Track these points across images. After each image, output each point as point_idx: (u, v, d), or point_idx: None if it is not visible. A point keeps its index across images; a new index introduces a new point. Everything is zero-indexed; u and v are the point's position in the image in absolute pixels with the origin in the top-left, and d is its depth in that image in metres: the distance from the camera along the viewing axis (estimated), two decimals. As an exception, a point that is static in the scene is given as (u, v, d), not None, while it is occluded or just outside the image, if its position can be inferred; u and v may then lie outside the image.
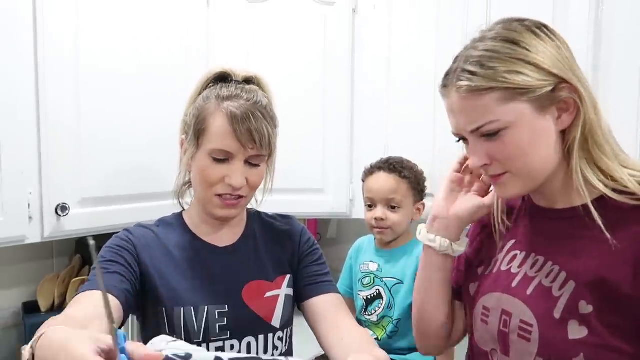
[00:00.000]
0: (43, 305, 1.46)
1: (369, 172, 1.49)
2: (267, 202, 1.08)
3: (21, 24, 1.21)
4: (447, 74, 0.81)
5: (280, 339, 1.01)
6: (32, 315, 1.44)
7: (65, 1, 1.27)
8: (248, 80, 1.01)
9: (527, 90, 0.74)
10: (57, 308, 1.48)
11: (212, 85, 1.00)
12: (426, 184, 1.50)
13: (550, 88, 0.75)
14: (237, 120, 0.92)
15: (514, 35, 0.77)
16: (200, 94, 1.00)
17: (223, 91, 0.96)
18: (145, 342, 0.96)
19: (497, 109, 0.75)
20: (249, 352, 0.96)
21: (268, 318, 0.99)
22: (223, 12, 1.63)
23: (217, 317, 0.95)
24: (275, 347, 1.00)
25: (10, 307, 1.54)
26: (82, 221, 1.32)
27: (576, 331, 0.75)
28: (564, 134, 0.79)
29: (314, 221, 2.13)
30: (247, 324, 0.96)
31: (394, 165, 1.45)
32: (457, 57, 0.81)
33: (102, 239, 1.39)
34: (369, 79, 1.70)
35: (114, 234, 1.03)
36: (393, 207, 1.44)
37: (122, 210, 1.41)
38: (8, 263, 1.53)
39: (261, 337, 0.97)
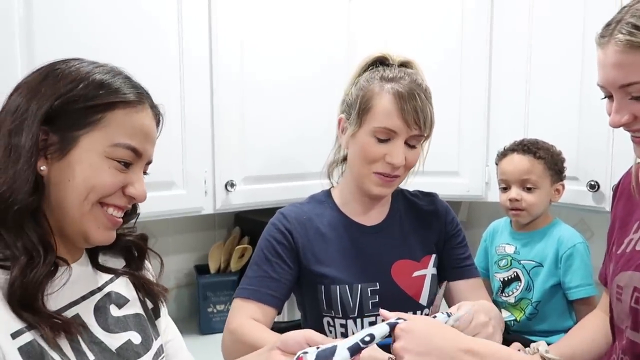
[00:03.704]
0: (212, 267, 1.71)
1: (502, 154, 1.48)
2: (401, 184, 1.11)
3: (199, 44, 1.44)
4: (608, 24, 0.78)
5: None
6: (203, 276, 1.69)
7: (233, 29, 1.49)
8: (404, 64, 1.04)
9: None
10: (223, 271, 1.72)
11: (371, 69, 1.03)
12: (565, 164, 1.45)
13: None
14: (403, 100, 0.95)
15: None
16: (359, 75, 1.04)
17: (386, 72, 0.99)
18: (305, 314, 1.10)
19: None
20: None
21: (416, 296, 1.04)
22: (363, 6, 1.71)
23: (369, 294, 1.01)
24: None
25: (184, 269, 1.82)
26: (245, 196, 1.54)
27: None
28: None
29: (445, 203, 2.14)
30: (397, 301, 1.00)
31: (527, 146, 1.42)
32: (623, 7, 0.77)
33: (263, 213, 1.59)
34: (507, 62, 1.67)
35: (272, 209, 1.16)
36: (529, 189, 1.41)
37: (277, 188, 1.60)
38: (182, 232, 1.81)
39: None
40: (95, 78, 0.68)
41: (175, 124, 1.39)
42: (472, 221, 2.18)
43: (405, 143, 0.98)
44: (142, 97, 0.73)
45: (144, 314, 0.80)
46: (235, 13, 1.49)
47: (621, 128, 0.81)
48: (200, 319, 1.67)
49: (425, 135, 1.00)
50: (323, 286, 1.01)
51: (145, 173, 0.75)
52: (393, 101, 0.96)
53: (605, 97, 0.82)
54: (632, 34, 0.72)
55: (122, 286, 0.79)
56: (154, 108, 0.76)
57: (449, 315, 0.80)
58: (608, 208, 1.43)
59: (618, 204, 0.97)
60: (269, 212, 1.14)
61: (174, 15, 1.38)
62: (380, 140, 0.97)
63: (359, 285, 1.01)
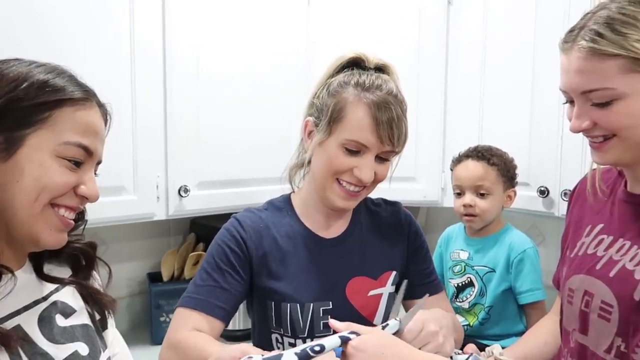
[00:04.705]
0: (165, 275, 1.66)
1: (457, 160, 1.51)
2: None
3: (153, 42, 1.39)
4: (571, 30, 0.78)
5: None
6: (155, 284, 1.64)
7: (188, 25, 1.45)
8: (380, 68, 0.97)
9: None
10: (176, 278, 1.68)
11: (346, 70, 0.96)
12: (517, 171, 1.49)
13: None
14: (380, 114, 0.88)
15: None
16: (332, 76, 0.96)
17: (362, 78, 0.92)
18: (254, 325, 1.03)
19: (616, 77, 0.72)
20: None
21: (370, 316, 0.99)
22: (322, 10, 1.72)
23: (321, 314, 0.95)
24: None
25: (137, 277, 1.76)
26: (200, 202, 1.50)
27: None
28: None
29: (404, 209, 2.17)
30: (349, 321, 0.93)
31: (482, 153, 1.45)
32: (585, 14, 0.77)
33: (220, 219, 1.55)
34: (463, 70, 1.71)
35: (230, 214, 1.10)
36: (482, 195, 1.44)
37: (234, 193, 1.56)
38: (135, 238, 1.75)
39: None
40: (38, 77, 0.66)
41: (126, 125, 1.33)
42: (430, 226, 2.21)
43: (377, 157, 0.92)
44: (89, 94, 0.71)
45: (91, 324, 0.77)
46: (189, 14, 1.45)
47: (573, 135, 0.84)
48: (152, 329, 1.62)
49: (399, 151, 0.95)
50: (273, 302, 0.96)
51: (95, 173, 0.73)
52: (368, 114, 0.89)
53: (566, 102, 0.83)
54: (595, 40, 0.73)
55: (69, 296, 0.76)
56: (101, 106, 0.74)
57: (400, 322, 0.79)
58: (557, 213, 1.49)
59: (573, 209, 1.00)
60: (227, 217, 1.09)
61: (126, 13, 1.32)
62: (350, 152, 0.91)
63: (311, 305, 0.96)
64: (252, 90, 1.59)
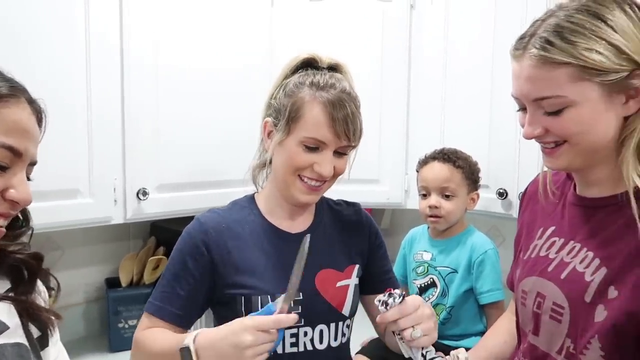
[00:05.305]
0: (123, 280, 1.61)
1: (424, 162, 1.52)
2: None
3: (109, 33, 1.34)
4: (521, 37, 0.79)
5: (348, 326, 1.04)
6: (113, 290, 1.59)
7: (147, 15, 1.40)
8: (333, 67, 1.01)
9: (602, 72, 0.72)
10: (135, 284, 1.63)
11: (301, 71, 1.00)
12: (480, 174, 1.52)
13: (625, 74, 0.72)
14: (335, 111, 0.93)
15: (603, 11, 0.73)
16: (287, 77, 1.00)
17: (316, 78, 0.96)
18: (220, 323, 1.00)
19: (566, 85, 0.73)
20: (321, 339, 0.99)
21: (339, 307, 1.01)
22: (286, 12, 1.71)
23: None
24: (343, 334, 1.03)
25: (95, 283, 1.70)
26: (160, 205, 1.45)
27: (601, 314, 0.77)
28: (626, 120, 0.76)
29: (368, 211, 2.17)
30: (320, 312, 0.99)
31: (448, 155, 1.48)
32: (535, 21, 0.78)
33: (182, 222, 1.51)
34: (425, 73, 1.73)
35: (191, 217, 1.07)
36: (447, 196, 1.46)
37: (196, 196, 1.53)
38: (93, 243, 1.69)
39: (332, 325, 1.00)
40: None
41: (80, 124, 1.28)
42: (394, 228, 2.23)
43: (335, 152, 0.97)
44: (16, 90, 0.65)
45: (26, 343, 0.71)
46: (148, 6, 1.40)
47: (531, 139, 0.85)
48: (110, 335, 1.57)
49: (355, 145, 0.99)
50: (243, 297, 0.96)
51: (28, 177, 0.67)
52: (324, 112, 0.93)
53: (519, 110, 0.84)
54: (545, 49, 0.74)
55: (3, 312, 0.69)
56: (32, 103, 0.68)
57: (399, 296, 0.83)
58: (516, 215, 1.51)
59: (525, 211, 1.02)
60: (189, 220, 1.06)
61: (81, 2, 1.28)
62: (309, 149, 0.95)
63: (282, 296, 0.96)
64: (214, 89, 1.56)
